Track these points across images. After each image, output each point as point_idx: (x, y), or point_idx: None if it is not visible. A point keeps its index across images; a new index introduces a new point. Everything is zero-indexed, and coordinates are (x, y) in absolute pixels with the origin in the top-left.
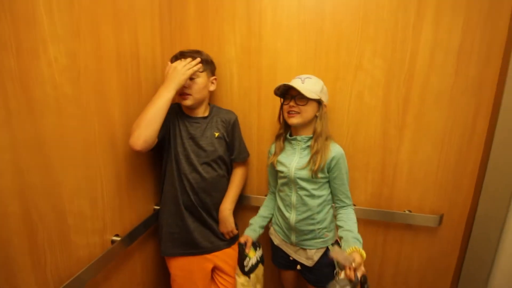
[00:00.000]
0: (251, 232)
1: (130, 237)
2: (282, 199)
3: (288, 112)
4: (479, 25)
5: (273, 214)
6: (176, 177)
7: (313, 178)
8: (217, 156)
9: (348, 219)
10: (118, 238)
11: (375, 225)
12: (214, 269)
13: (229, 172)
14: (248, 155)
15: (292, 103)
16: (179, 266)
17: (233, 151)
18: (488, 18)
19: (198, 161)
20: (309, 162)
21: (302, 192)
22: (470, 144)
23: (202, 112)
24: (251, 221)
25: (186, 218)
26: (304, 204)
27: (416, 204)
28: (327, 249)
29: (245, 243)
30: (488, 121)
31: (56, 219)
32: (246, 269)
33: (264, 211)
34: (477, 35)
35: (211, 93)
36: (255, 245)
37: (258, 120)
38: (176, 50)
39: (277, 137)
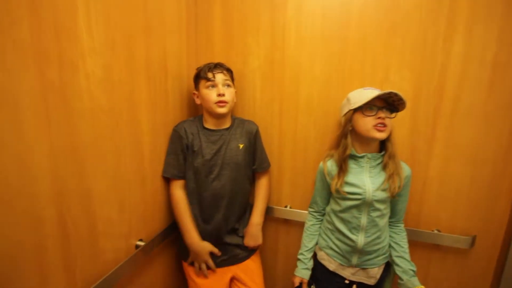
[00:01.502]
0: (305, 271)
1: (153, 243)
2: (344, 221)
3: (376, 126)
4: None
5: (319, 238)
6: (198, 189)
7: (388, 198)
8: (242, 167)
9: (403, 243)
10: (142, 243)
11: None
12: (233, 279)
13: (251, 183)
14: (269, 165)
15: (382, 115)
16: (197, 274)
17: (254, 161)
18: None
19: (221, 172)
20: (385, 182)
21: (374, 214)
22: (505, 161)
23: (227, 123)
24: (300, 256)
25: (206, 230)
26: (375, 225)
27: (446, 223)
28: (387, 263)
29: (301, 284)
30: None
31: (87, 224)
32: None
33: (310, 241)
34: None
35: (234, 104)
36: (309, 283)
37: (279, 131)
38: (202, 61)
39: (344, 157)
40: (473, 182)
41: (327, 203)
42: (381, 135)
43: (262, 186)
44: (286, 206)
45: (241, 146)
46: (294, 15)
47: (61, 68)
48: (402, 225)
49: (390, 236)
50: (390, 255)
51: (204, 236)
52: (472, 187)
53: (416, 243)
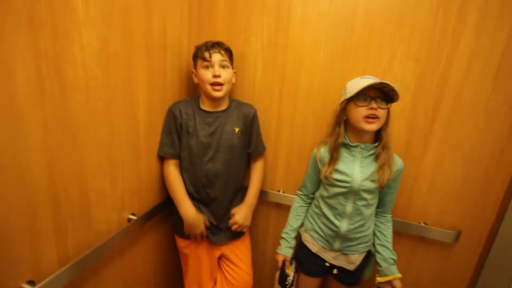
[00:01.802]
0: (288, 250)
1: (146, 217)
2: (331, 207)
3: (367, 117)
4: None
5: (305, 220)
6: (192, 170)
7: (376, 189)
8: (237, 150)
9: (387, 233)
10: (134, 217)
11: None
12: (221, 256)
13: (246, 166)
14: (264, 149)
15: (374, 105)
16: (189, 248)
17: (250, 144)
18: None
19: (216, 155)
20: (375, 173)
21: (360, 202)
22: (500, 161)
23: (223, 105)
24: (284, 235)
25: (199, 209)
26: (360, 213)
27: (434, 217)
28: (368, 251)
29: (284, 262)
30: None
31: (79, 193)
32: (288, 286)
33: (295, 221)
34: None
35: (233, 85)
36: (290, 261)
37: (278, 115)
38: (203, 39)
39: (336, 145)
40: (466, 181)
41: (317, 188)
42: (371, 127)
43: (257, 169)
44: (279, 191)
45: (236, 129)
46: None
47: (55, 38)
48: (389, 216)
49: (375, 225)
50: (373, 243)
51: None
52: (464, 186)
53: (402, 234)
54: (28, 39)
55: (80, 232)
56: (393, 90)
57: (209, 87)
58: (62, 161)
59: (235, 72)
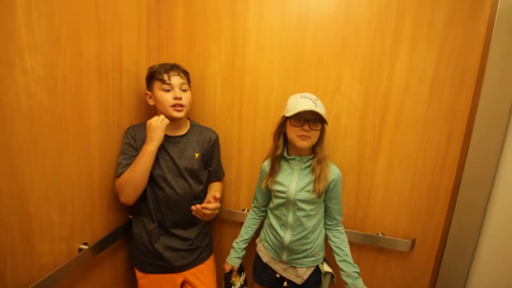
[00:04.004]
0: (236, 260)
1: (100, 246)
2: (277, 218)
3: (300, 136)
4: (453, 55)
5: (258, 231)
6: (150, 194)
7: (313, 200)
8: (195, 175)
9: (344, 246)
10: (86, 247)
11: (349, 245)
12: (184, 283)
13: (204, 190)
14: (223, 175)
15: (307, 127)
16: (149, 281)
17: (211, 167)
18: (462, 48)
19: (174, 179)
20: (311, 183)
21: (300, 213)
22: (442, 170)
23: (183, 128)
24: (235, 245)
25: (158, 233)
26: (301, 224)
27: (390, 227)
28: (317, 267)
29: (231, 271)
30: (461, 148)
31: (20, 223)
32: None
33: (247, 232)
34: (451, 65)
35: (194, 106)
36: (239, 270)
37: (239, 134)
38: (163, 61)
39: (274, 157)
40: (413, 190)
41: (267, 200)
42: (303, 144)
43: (214, 184)
44: (243, 210)
45: (196, 155)
46: (255, 23)
47: None
48: (341, 228)
49: (331, 240)
50: (335, 260)
51: (155, 239)
52: (413, 194)
53: (363, 246)
54: None
55: (21, 265)
56: (317, 118)
57: (170, 109)
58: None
59: (191, 94)
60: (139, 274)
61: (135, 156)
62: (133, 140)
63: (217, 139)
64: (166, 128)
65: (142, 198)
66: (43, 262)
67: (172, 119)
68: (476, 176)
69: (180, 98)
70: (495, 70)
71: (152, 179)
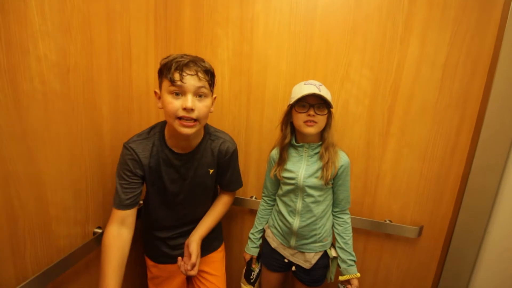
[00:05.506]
0: (254, 249)
1: None
2: (285, 204)
3: (306, 122)
4: (465, 41)
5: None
6: (161, 214)
7: (322, 186)
8: (210, 189)
9: (346, 235)
10: (100, 230)
11: (356, 232)
12: None
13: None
14: (240, 185)
15: (312, 112)
16: (160, 269)
17: (222, 180)
18: (475, 34)
19: (186, 200)
20: (320, 170)
21: (308, 199)
22: (452, 158)
23: (196, 141)
24: (251, 236)
25: (169, 240)
26: (310, 210)
27: (397, 214)
28: (325, 252)
29: (251, 259)
30: (471, 136)
31: (37, 208)
32: (252, 280)
33: (260, 223)
34: (463, 51)
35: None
36: (258, 257)
37: (246, 122)
38: (170, 51)
39: (283, 146)
40: (422, 177)
41: (277, 188)
42: (309, 130)
43: (220, 202)
44: (251, 197)
45: (211, 171)
46: (262, 9)
47: (8, 50)
48: (346, 217)
49: (334, 227)
50: (334, 246)
51: (167, 245)
52: (421, 181)
53: (370, 232)
54: None
55: (39, 248)
56: (321, 102)
57: (176, 122)
58: (17, 173)
59: (215, 98)
60: (150, 262)
61: (136, 183)
62: (136, 160)
63: (234, 151)
64: (174, 143)
65: (153, 217)
66: (59, 244)
67: (178, 137)
68: (487, 163)
69: (192, 110)
70: (509, 56)
71: (160, 202)
